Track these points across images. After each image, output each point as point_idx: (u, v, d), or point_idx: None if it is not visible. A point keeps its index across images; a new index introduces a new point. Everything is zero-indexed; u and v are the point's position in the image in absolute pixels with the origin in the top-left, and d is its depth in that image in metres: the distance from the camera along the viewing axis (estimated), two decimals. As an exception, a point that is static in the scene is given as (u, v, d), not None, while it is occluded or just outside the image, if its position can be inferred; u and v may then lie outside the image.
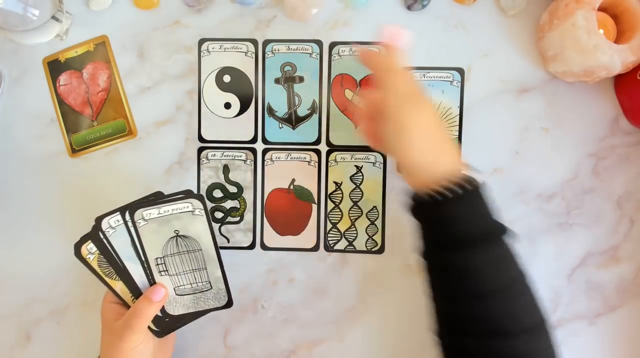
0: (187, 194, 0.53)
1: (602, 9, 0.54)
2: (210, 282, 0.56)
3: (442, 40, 0.60)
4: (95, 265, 0.53)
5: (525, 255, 0.60)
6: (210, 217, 0.55)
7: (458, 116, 0.60)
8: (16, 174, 0.61)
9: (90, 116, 0.61)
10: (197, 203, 0.53)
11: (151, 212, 0.53)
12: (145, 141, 0.61)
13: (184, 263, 0.55)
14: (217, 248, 0.55)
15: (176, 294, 0.55)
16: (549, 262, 0.60)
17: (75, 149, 0.62)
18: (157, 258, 0.54)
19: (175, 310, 0.55)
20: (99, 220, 0.52)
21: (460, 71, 0.60)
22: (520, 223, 0.60)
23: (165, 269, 0.54)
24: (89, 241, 0.52)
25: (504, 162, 0.60)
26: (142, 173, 0.61)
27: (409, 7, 0.60)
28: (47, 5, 0.55)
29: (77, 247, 0.52)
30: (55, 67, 0.61)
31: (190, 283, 0.55)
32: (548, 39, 0.56)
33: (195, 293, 0.56)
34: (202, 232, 0.54)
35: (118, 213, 0.53)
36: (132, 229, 0.53)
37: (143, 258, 0.54)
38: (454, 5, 0.60)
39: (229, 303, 0.57)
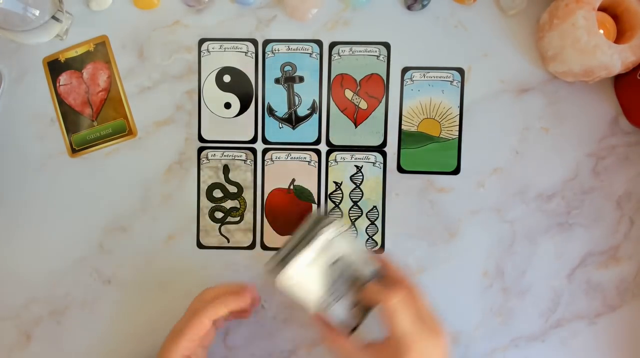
0: (320, 223, 0.51)
1: (602, 9, 0.54)
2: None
3: (442, 40, 0.60)
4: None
5: (525, 255, 0.61)
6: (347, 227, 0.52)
7: (458, 116, 0.60)
8: (16, 174, 0.61)
9: (90, 116, 0.61)
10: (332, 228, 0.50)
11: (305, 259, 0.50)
12: (145, 141, 0.61)
13: (344, 282, 0.53)
14: (364, 249, 0.51)
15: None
16: (549, 262, 0.60)
17: (75, 149, 0.62)
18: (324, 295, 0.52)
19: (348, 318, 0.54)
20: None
21: (460, 71, 0.60)
22: (520, 223, 0.60)
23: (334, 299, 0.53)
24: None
25: (504, 162, 0.60)
26: (142, 173, 0.61)
27: (409, 7, 0.60)
28: (47, 5, 0.55)
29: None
30: (55, 67, 0.61)
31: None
32: (548, 39, 0.56)
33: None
34: (348, 247, 0.52)
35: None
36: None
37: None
38: (454, 5, 0.60)
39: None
